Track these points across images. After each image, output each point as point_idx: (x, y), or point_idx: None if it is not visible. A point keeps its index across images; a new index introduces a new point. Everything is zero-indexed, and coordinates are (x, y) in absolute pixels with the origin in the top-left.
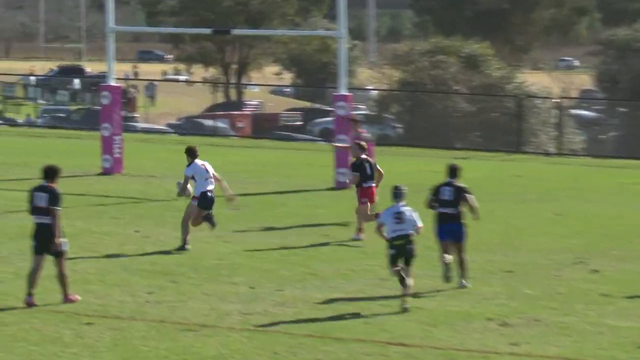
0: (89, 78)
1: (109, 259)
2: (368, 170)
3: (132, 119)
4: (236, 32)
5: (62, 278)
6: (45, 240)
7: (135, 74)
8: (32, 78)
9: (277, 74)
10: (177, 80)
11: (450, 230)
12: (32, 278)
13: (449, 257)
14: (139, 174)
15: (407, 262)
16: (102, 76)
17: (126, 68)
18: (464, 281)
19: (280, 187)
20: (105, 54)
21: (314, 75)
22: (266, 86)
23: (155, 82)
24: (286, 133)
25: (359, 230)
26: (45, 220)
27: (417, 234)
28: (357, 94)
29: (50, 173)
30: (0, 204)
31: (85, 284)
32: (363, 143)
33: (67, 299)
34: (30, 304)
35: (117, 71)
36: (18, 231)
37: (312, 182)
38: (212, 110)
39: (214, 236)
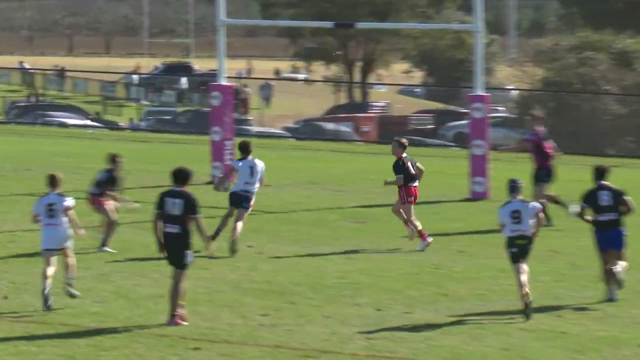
0: (198, 76)
1: (219, 277)
2: (412, 170)
3: (245, 121)
4: (360, 25)
5: (175, 294)
6: (174, 252)
7: (249, 71)
8: (135, 77)
9: (406, 72)
10: (295, 79)
11: (611, 238)
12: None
13: (618, 268)
14: None
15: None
16: (212, 74)
17: (239, 65)
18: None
19: None
20: (215, 49)
21: (447, 73)
22: (394, 86)
23: (271, 82)
24: (416, 138)
25: (415, 228)
26: (175, 229)
27: (539, 225)
28: (495, 94)
29: (181, 177)
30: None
31: (193, 304)
32: (404, 141)
33: (173, 321)
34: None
35: (228, 69)
36: (119, 246)
37: (445, 192)
38: (334, 113)
39: (336, 252)
